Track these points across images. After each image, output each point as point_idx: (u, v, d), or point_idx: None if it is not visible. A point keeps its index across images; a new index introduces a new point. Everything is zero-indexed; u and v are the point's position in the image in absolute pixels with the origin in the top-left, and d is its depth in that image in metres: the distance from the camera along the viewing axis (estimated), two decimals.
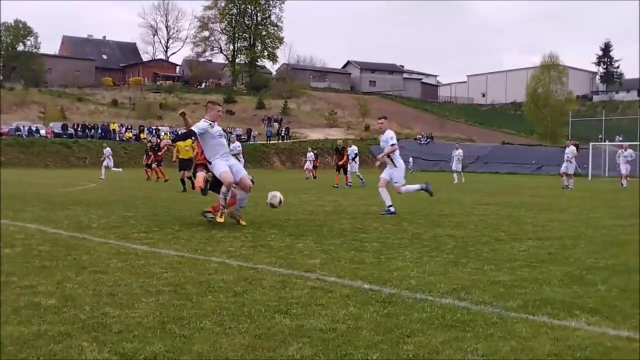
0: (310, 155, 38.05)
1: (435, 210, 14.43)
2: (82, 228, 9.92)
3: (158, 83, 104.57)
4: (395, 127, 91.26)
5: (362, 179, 27.44)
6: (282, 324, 4.37)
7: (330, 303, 5.02)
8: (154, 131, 69.43)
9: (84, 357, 3.59)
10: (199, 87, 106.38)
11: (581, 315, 4.73)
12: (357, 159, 28.68)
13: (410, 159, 63.69)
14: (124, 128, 70.87)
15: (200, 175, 9.59)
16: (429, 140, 77.24)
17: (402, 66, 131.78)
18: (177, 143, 19.99)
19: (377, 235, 9.34)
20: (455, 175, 35.31)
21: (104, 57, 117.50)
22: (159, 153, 28.88)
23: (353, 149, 28.63)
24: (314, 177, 36.13)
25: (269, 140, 74.13)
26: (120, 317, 4.49)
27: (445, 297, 5.27)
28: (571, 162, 27.68)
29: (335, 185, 26.10)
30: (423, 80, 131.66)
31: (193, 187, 17.45)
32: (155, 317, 4.50)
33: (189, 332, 4.13)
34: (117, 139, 67.70)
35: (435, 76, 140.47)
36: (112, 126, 70.29)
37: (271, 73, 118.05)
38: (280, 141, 73.45)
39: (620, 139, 60.28)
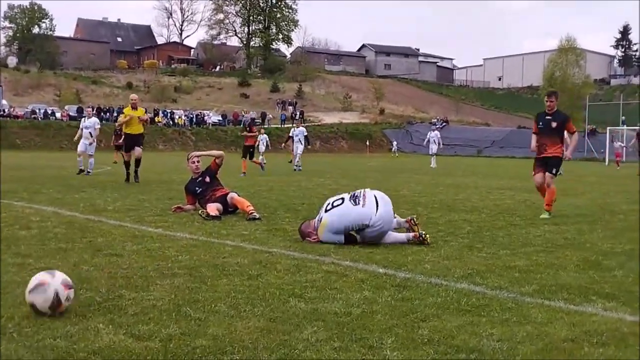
0: (264, 137, 35.75)
1: (450, 194, 14.39)
2: (97, 211, 9.98)
3: (173, 66, 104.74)
4: (411, 111, 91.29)
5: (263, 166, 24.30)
6: (297, 307, 4.38)
7: (344, 287, 5.02)
8: (168, 114, 69.58)
9: (99, 339, 3.62)
10: (213, 70, 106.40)
11: (598, 300, 4.70)
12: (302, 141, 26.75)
13: (394, 142, 63.59)
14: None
15: (213, 206, 9.53)
16: (444, 124, 76.85)
17: (418, 49, 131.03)
18: (126, 111, 16.94)
19: None
20: (432, 159, 33.64)
21: (119, 39, 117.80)
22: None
23: (301, 130, 27.23)
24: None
25: (283, 124, 74.10)
26: (136, 300, 4.52)
27: (460, 282, 5.26)
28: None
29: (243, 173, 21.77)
30: (438, 64, 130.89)
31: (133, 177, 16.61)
32: (170, 300, 4.52)
33: (203, 315, 4.15)
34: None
35: (451, 59, 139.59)
36: (119, 120, 70.34)
37: (286, 56, 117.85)
38: (294, 125, 73.39)
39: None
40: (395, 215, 7.57)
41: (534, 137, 10.85)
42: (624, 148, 44.08)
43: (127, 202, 11.30)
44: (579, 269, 5.88)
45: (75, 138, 20.87)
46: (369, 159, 50.74)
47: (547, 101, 10.61)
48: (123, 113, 17.28)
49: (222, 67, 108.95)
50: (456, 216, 10.09)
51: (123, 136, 17.48)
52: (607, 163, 45.39)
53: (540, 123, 10.58)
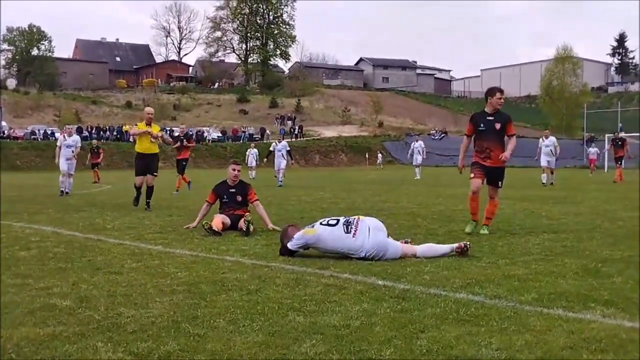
0: (254, 151, 35.65)
1: (450, 205, 14.39)
2: (97, 230, 9.98)
3: (171, 84, 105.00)
4: (409, 123, 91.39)
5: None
6: (296, 321, 4.37)
7: (343, 299, 5.01)
8: (168, 132, 69.66)
9: (98, 357, 3.61)
10: (212, 87, 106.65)
11: (597, 307, 4.70)
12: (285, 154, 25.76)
13: (379, 155, 63.55)
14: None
15: (219, 218, 9.60)
16: (443, 135, 76.92)
17: (415, 62, 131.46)
18: (140, 127, 14.16)
19: (391, 231, 9.26)
20: (417, 170, 32.38)
21: (117, 59, 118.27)
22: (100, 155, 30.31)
23: (284, 145, 26.27)
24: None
25: (283, 139, 74.18)
26: (135, 317, 4.51)
27: (459, 292, 5.25)
28: (553, 155, 23.96)
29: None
30: (436, 76, 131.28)
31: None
32: (169, 317, 4.51)
33: (202, 331, 4.14)
34: (131, 140, 67.86)
35: (449, 71, 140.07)
36: (125, 128, 70.57)
37: (284, 72, 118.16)
38: (294, 139, 73.41)
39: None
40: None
41: (465, 143, 9.71)
42: (599, 154, 44.16)
43: (126, 221, 11.30)
44: (578, 277, 5.87)
45: (57, 158, 19.26)
46: (369, 171, 50.74)
47: (499, 98, 9.31)
48: (137, 125, 14.58)
49: (220, 84, 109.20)
50: (455, 227, 10.08)
51: (135, 156, 14.30)
52: (606, 170, 45.37)
53: (482, 125, 9.29)
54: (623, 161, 27.66)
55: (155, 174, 14.07)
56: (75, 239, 8.83)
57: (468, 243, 7.25)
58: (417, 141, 33.89)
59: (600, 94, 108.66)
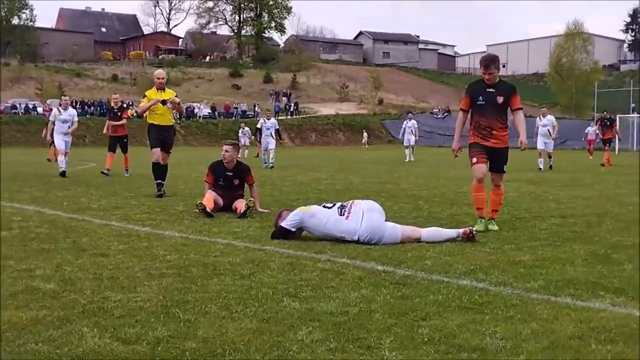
0: (246, 130, 35.91)
1: (453, 187, 14.41)
2: (81, 209, 9.97)
3: (160, 57, 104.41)
4: (411, 101, 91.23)
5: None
6: (291, 307, 4.39)
7: (341, 285, 5.03)
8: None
9: (84, 343, 3.62)
10: (203, 60, 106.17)
11: (606, 295, 4.72)
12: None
13: (365, 134, 63.35)
14: (125, 104, 70.76)
15: (211, 196, 9.57)
16: (446, 114, 76.76)
17: (418, 36, 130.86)
18: (149, 94, 12.47)
19: (391, 214, 9.31)
20: (407, 151, 30.92)
21: (103, 30, 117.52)
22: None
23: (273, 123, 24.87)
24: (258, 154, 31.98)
25: (277, 116, 73.98)
26: (122, 302, 4.52)
27: (462, 278, 5.27)
28: (550, 136, 22.61)
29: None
30: (440, 51, 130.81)
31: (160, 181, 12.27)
32: (159, 301, 4.52)
33: (193, 317, 4.15)
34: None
35: (453, 46, 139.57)
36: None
37: (279, 45, 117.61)
38: (288, 117, 73.31)
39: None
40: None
41: (460, 119, 8.59)
42: (597, 134, 43.17)
43: (112, 200, 11.30)
44: (587, 263, 5.90)
45: (49, 134, 18.30)
46: (367, 151, 50.74)
47: (483, 73, 8.22)
48: (145, 96, 12.60)
49: (212, 57, 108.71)
50: (458, 210, 10.11)
51: (149, 128, 12.44)
52: (616, 152, 45.42)
53: (480, 98, 8.17)
54: (611, 144, 27.00)
55: (170, 150, 12.55)
56: (59, 219, 8.83)
57: (474, 229, 7.28)
58: (409, 119, 32.17)
59: (612, 72, 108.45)
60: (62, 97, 19.20)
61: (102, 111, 67.03)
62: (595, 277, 5.33)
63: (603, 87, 77.95)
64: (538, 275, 5.40)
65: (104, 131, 20.05)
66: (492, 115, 8.13)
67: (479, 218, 8.24)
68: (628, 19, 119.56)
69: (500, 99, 8.13)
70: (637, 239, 7.26)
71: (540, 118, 23.06)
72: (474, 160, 8.20)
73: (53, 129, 17.91)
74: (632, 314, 4.25)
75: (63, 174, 17.21)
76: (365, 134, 63.64)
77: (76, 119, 18.44)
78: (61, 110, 17.90)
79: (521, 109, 8.39)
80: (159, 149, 12.15)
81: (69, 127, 17.89)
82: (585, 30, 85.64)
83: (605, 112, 30.58)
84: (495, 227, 8.04)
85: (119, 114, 19.00)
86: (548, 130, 22.55)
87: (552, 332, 3.86)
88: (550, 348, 3.59)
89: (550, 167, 22.40)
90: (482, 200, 8.25)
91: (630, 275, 5.40)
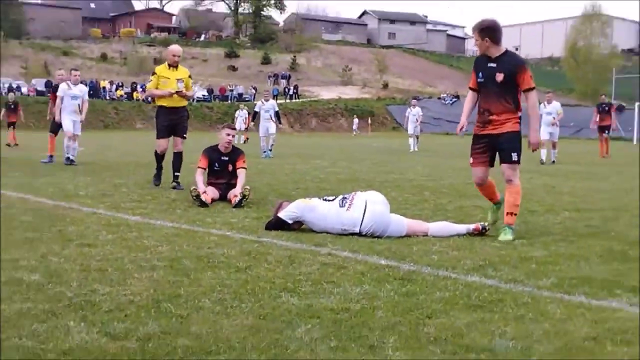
0: (244, 113, 35.88)
1: (461, 178, 14.40)
2: (68, 196, 9.96)
3: (152, 35, 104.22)
4: (417, 85, 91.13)
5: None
6: (289, 303, 4.39)
7: (342, 280, 5.03)
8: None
9: (70, 338, 3.62)
10: (197, 39, 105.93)
11: (623, 294, 4.72)
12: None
13: (355, 121, 63.19)
14: (114, 85, 70.82)
15: (210, 191, 9.61)
16: (454, 99, 76.62)
17: (426, 16, 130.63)
18: (159, 71, 11.64)
19: (396, 206, 9.31)
20: (411, 140, 30.10)
21: (92, 5, 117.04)
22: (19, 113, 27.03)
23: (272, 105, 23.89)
24: (246, 140, 32.86)
25: (276, 99, 73.91)
26: (111, 295, 4.52)
27: (470, 275, 5.28)
28: (557, 125, 21.69)
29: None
30: (449, 32, 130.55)
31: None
32: (149, 295, 4.53)
33: (186, 312, 4.15)
34: (107, 97, 67.67)
35: (463, 27, 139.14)
36: (101, 83, 70.20)
37: (278, 24, 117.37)
38: (288, 101, 73.23)
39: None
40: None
41: (468, 99, 7.58)
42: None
43: (101, 187, 11.29)
44: (603, 261, 5.90)
45: (57, 113, 16.46)
46: (371, 138, 50.73)
47: (475, 40, 7.31)
48: (154, 74, 11.66)
49: (207, 36, 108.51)
50: (467, 202, 10.10)
51: (157, 110, 11.76)
52: (635, 142, 45.42)
53: (480, 74, 7.26)
54: (609, 132, 25.88)
55: (185, 135, 11.73)
56: (44, 207, 8.83)
57: (486, 224, 7.26)
58: (413, 107, 31.19)
59: (632, 57, 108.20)
60: (73, 70, 17.62)
61: (90, 92, 67.06)
62: (612, 275, 5.33)
63: (621, 73, 77.66)
64: (551, 272, 5.40)
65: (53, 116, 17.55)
66: (491, 96, 7.14)
67: (492, 206, 7.75)
68: None
69: (500, 76, 7.04)
70: None
71: (544, 105, 21.56)
72: (470, 160, 7.43)
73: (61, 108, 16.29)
74: None
75: (69, 161, 16.02)
76: (355, 120, 63.46)
77: (87, 97, 17.21)
78: (71, 85, 16.47)
79: (532, 89, 7.21)
80: (165, 140, 11.60)
81: (80, 106, 16.56)
82: (603, 12, 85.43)
83: (603, 96, 28.73)
84: (509, 237, 6.89)
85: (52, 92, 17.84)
86: (553, 117, 21.45)
87: (566, 332, 3.86)
88: (563, 349, 3.59)
89: (553, 162, 21.07)
90: (488, 192, 7.59)
91: None
